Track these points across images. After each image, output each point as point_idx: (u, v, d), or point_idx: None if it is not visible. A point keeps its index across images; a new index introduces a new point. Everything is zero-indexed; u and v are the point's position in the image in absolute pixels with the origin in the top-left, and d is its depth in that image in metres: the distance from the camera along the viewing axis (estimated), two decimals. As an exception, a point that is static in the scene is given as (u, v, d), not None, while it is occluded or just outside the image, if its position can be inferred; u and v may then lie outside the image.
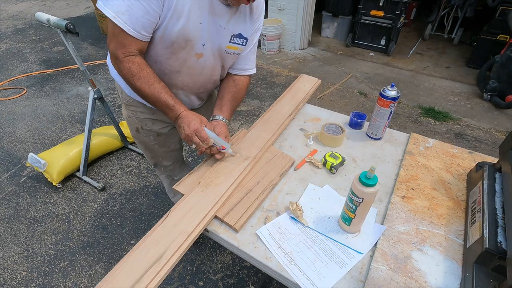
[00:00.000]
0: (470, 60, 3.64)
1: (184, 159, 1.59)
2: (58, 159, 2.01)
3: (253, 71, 1.18)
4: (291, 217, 0.87)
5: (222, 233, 0.83)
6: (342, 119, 1.31)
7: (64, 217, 1.86)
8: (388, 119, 1.12)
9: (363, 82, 3.40)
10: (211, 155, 1.05)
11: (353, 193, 0.75)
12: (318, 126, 1.26)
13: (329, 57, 3.99)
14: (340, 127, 1.18)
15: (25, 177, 2.13)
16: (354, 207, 0.76)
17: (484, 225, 0.69)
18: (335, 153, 1.06)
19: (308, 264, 0.75)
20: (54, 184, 1.98)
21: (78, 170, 2.10)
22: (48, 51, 4.09)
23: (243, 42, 1.03)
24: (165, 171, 1.46)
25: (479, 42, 3.48)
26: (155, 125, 1.20)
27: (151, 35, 0.88)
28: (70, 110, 2.89)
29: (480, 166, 0.90)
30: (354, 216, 0.78)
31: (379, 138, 1.18)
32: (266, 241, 0.81)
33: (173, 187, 0.96)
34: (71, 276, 1.55)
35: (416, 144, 1.14)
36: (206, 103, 1.28)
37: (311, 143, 1.14)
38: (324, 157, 1.05)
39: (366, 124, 1.26)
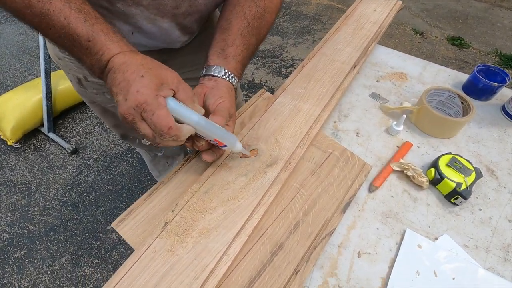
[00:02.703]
0: None
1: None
2: (12, 111, 1.51)
3: None
4: (380, 335, 0.36)
5: None
6: (447, 77, 0.71)
7: (24, 188, 1.44)
8: None
9: (419, 16, 2.57)
10: (196, 151, 0.51)
11: None
12: (406, 91, 0.67)
13: (374, -21, 3.04)
14: (458, 96, 0.59)
15: (-21, 130, 1.67)
16: None
17: None
18: (458, 157, 0.50)
19: None
20: (9, 143, 1.52)
21: (42, 125, 1.62)
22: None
23: None
24: (141, 145, 0.93)
25: None
26: None
27: None
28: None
29: None
30: None
31: (534, 123, 0.60)
32: None
33: (113, 225, 0.45)
34: (28, 272, 1.19)
35: None
36: (200, 38, 0.67)
37: (400, 128, 0.57)
38: (436, 168, 0.49)
39: (501, 92, 0.66)
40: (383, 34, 0.76)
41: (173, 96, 0.37)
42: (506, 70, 2.09)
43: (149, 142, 0.38)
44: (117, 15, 0.47)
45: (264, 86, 1.94)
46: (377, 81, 0.69)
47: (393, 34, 2.39)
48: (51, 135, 1.60)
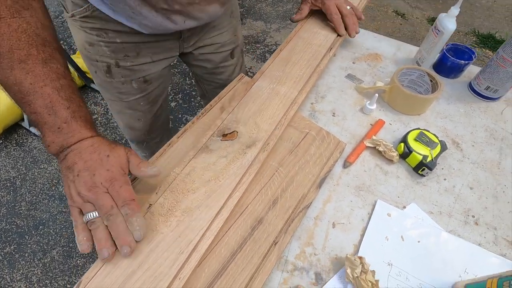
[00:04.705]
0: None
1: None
2: (-11, 105, 1.47)
3: None
4: (351, 294, 0.40)
5: (198, 334, 0.38)
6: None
7: (8, 184, 1.42)
8: (537, 63, 0.56)
9: (401, -2, 2.59)
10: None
11: None
12: (380, 71, 0.70)
13: (356, -39, 3.02)
14: (428, 74, 0.62)
15: (-44, 127, 1.61)
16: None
17: None
18: (425, 132, 0.54)
19: None
20: (-11, 139, 1.48)
21: (22, 119, 1.58)
22: None
23: None
24: (148, 148, 0.92)
25: None
26: (142, 55, 0.64)
27: None
28: (14, 33, 2.17)
29: None
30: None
31: (497, 98, 0.64)
32: None
33: (99, 210, 0.46)
34: (19, 266, 1.20)
35: None
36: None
37: (373, 107, 0.60)
38: (405, 143, 0.53)
39: (468, 69, 0.69)
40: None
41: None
42: (483, 49, 2.14)
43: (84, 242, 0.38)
44: (175, 13, 0.54)
45: (249, 73, 1.94)
46: (353, 63, 0.71)
47: (375, 17, 2.40)
48: (33, 129, 1.57)
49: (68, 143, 0.39)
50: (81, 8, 0.55)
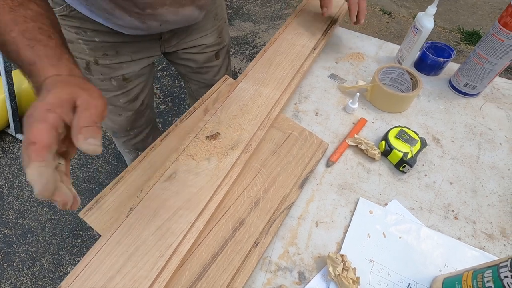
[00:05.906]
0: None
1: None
2: (-27, 113, 1.44)
3: None
4: (332, 292, 0.40)
5: (180, 338, 0.38)
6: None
7: (-5, 192, 1.40)
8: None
9: (387, -3, 2.62)
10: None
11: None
12: (362, 70, 0.70)
13: (343, -39, 3.04)
14: (408, 72, 0.63)
15: None
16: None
17: None
18: (406, 129, 0.54)
19: None
20: (-26, 147, 1.45)
21: (8, 126, 1.55)
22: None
23: None
24: (132, 144, 0.91)
25: None
26: (122, 54, 0.64)
27: None
28: None
29: None
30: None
31: (476, 94, 0.65)
32: None
33: (80, 215, 0.46)
34: (8, 276, 1.17)
35: (548, 105, 0.62)
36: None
37: (355, 106, 0.61)
38: (386, 140, 0.53)
39: (449, 66, 0.70)
40: (344, 17, 0.79)
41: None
42: (468, 46, 2.17)
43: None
44: (148, 17, 0.54)
45: (238, 74, 1.94)
46: (336, 62, 0.72)
47: (362, 16, 2.43)
48: (19, 136, 1.54)
49: (39, 84, 0.33)
50: (60, 7, 0.56)
